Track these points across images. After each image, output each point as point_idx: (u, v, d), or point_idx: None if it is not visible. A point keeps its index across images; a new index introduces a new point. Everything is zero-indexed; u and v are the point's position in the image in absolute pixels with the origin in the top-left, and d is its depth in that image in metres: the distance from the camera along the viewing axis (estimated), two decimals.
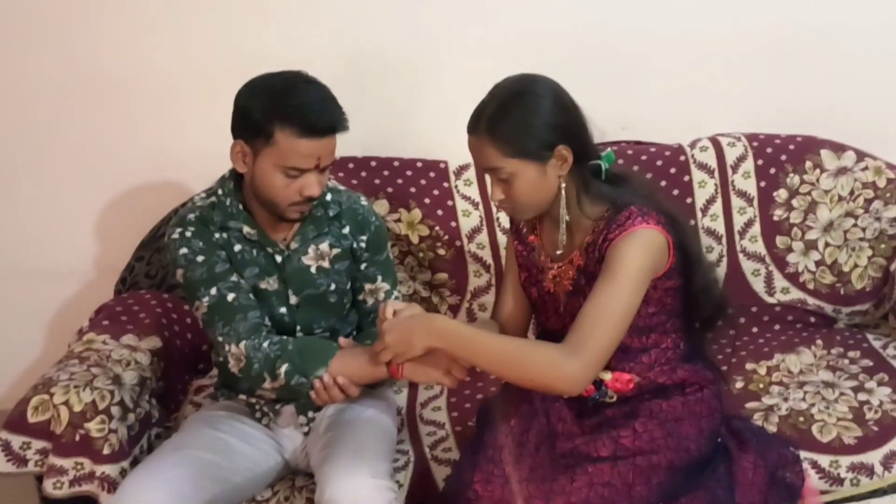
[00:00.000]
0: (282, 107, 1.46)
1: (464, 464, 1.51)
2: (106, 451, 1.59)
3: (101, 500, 1.58)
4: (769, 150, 2.15)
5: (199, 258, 1.57)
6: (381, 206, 2.11)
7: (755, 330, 2.11)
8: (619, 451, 1.44)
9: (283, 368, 1.51)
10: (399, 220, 2.12)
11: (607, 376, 1.50)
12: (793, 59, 2.23)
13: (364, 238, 1.69)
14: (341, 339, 1.58)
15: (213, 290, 1.56)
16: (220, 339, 1.55)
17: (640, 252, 1.39)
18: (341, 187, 1.73)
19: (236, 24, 2.19)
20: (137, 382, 1.75)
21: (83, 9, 2.16)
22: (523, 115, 1.41)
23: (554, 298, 1.56)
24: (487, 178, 1.49)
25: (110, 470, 1.59)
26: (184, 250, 1.57)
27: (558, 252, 1.52)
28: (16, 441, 1.60)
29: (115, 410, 1.64)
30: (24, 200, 2.31)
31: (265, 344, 1.53)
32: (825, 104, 2.24)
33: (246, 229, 1.60)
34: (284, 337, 1.56)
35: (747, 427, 1.64)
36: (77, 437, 1.58)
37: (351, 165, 2.16)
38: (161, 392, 1.87)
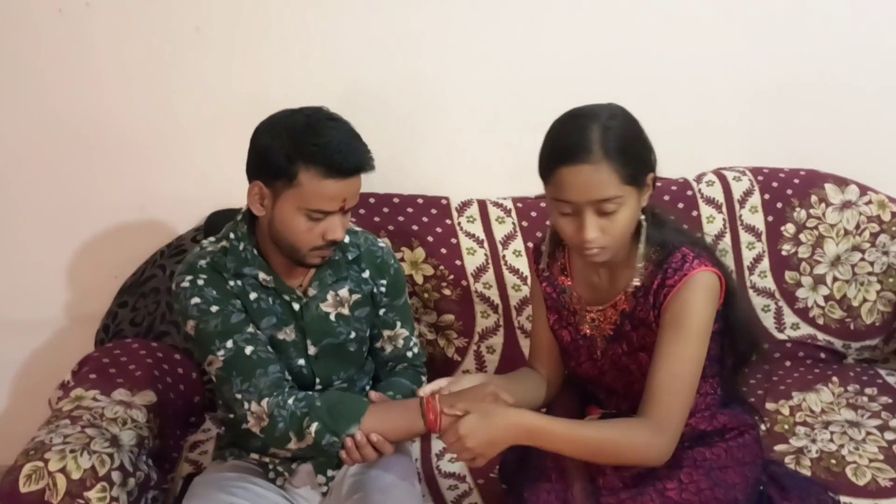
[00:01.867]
0: (306, 146, 1.37)
1: None
2: None
3: None
4: (774, 184, 2.14)
5: (214, 308, 1.44)
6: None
7: (766, 367, 2.07)
8: (666, 502, 1.37)
9: (314, 427, 1.39)
10: (402, 259, 2.03)
11: None
12: (792, 95, 2.23)
13: (384, 282, 1.60)
14: (371, 394, 1.47)
15: (230, 343, 1.43)
16: (239, 396, 1.42)
17: (704, 301, 1.34)
18: (357, 228, 1.64)
19: (221, 65, 2.07)
20: (136, 443, 1.62)
21: (64, 53, 2.02)
22: (629, 137, 1.33)
23: (590, 343, 1.49)
24: (563, 218, 1.35)
25: None
26: (196, 300, 1.44)
27: (590, 296, 1.46)
28: None
29: (115, 476, 1.49)
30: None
31: (290, 401, 1.41)
32: (825, 139, 2.24)
33: (262, 276, 1.49)
34: (310, 393, 1.45)
35: (785, 472, 1.60)
36: None
37: None
38: (157, 451, 1.72)
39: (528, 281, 2.06)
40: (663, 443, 1.31)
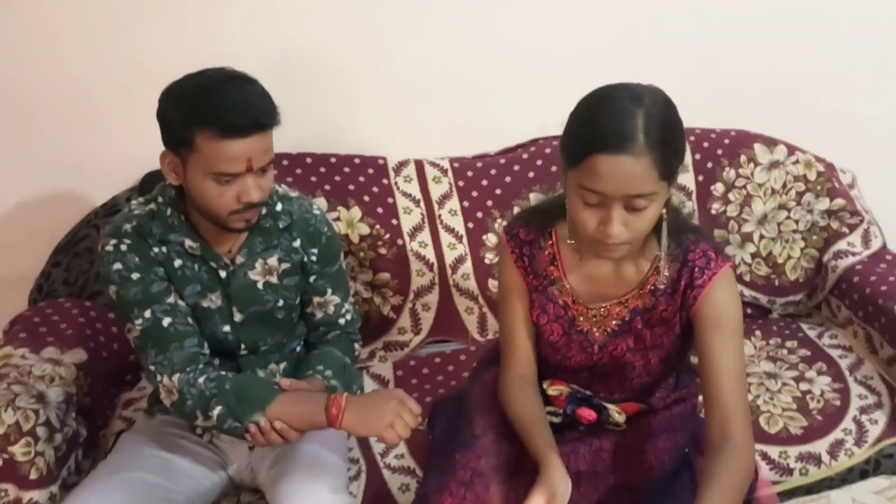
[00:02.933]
0: (199, 109, 1.33)
1: (430, 483, 1.40)
2: (33, 475, 1.46)
3: None
4: (705, 144, 2.18)
5: (134, 276, 1.43)
6: (319, 204, 2.01)
7: None
8: (598, 467, 1.41)
9: (217, 411, 1.39)
10: (338, 219, 2.04)
11: (621, 418, 1.46)
12: (723, 56, 2.25)
13: (315, 251, 1.57)
14: (283, 381, 1.46)
15: (148, 313, 1.43)
16: (153, 367, 1.43)
17: (736, 297, 1.33)
18: (293, 193, 1.60)
19: (156, 26, 2.03)
20: (63, 399, 1.62)
21: None
22: (675, 128, 1.21)
23: (585, 337, 1.43)
24: (588, 208, 1.23)
25: (38, 496, 1.47)
26: (118, 266, 1.43)
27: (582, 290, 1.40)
28: None
29: (40, 431, 1.51)
30: None
31: (201, 379, 1.41)
32: (754, 98, 2.28)
33: (188, 243, 1.47)
34: (223, 373, 1.44)
35: (698, 424, 1.63)
36: (0, 463, 1.45)
37: (285, 162, 2.07)
38: (88, 408, 1.74)
39: (464, 240, 2.09)
40: (753, 449, 1.30)
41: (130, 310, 1.43)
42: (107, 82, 2.07)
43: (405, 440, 1.43)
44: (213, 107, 1.32)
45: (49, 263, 2.02)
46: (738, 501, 1.23)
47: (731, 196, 2.16)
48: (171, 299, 1.45)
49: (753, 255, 2.17)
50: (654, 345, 1.40)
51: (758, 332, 2.07)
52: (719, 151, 2.17)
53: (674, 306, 1.36)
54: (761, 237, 2.16)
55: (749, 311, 2.18)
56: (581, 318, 1.43)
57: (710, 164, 2.16)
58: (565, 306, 1.43)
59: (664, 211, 1.28)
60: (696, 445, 1.53)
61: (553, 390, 1.49)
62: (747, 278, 2.17)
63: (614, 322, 1.41)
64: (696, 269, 1.32)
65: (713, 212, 2.16)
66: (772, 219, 2.16)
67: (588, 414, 1.46)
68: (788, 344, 2.02)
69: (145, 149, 2.03)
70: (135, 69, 2.05)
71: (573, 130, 1.24)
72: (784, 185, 2.16)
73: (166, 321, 1.43)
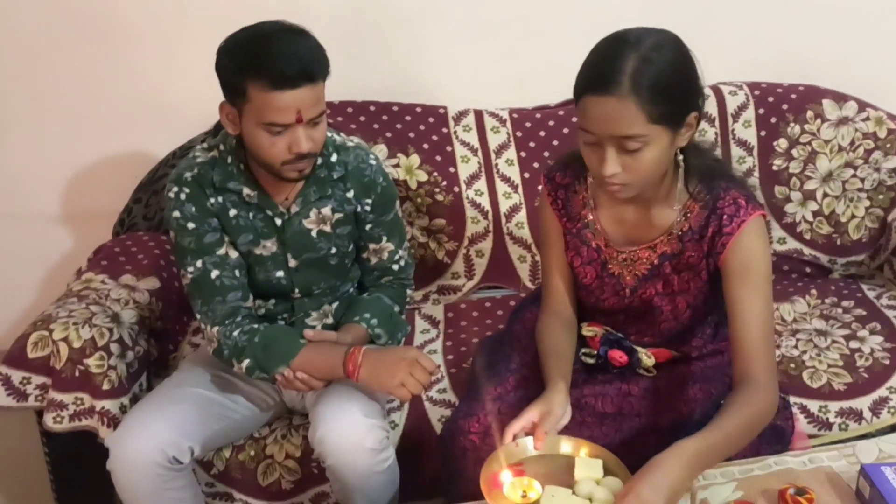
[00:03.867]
0: (249, 60, 1.38)
1: (461, 409, 1.49)
2: (105, 386, 1.61)
3: (100, 435, 1.60)
4: (771, 98, 2.14)
5: (190, 225, 1.53)
6: (380, 151, 2.10)
7: None
8: (625, 409, 1.44)
9: (245, 363, 1.52)
10: (397, 166, 2.11)
11: (650, 361, 1.48)
12: (794, 7, 2.19)
13: (369, 201, 1.62)
14: (307, 333, 1.56)
15: (199, 263, 1.53)
16: (199, 316, 1.56)
17: (765, 244, 1.33)
18: (350, 142, 1.63)
19: None
20: (136, 321, 1.77)
21: None
22: (670, 74, 1.21)
23: (617, 280, 1.46)
24: (587, 147, 1.27)
25: (110, 405, 1.61)
26: (176, 213, 1.53)
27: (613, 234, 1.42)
28: (16, 376, 1.62)
29: (114, 347, 1.65)
30: (18, 143, 2.28)
31: (236, 332, 1.53)
32: (827, 54, 2.22)
33: (246, 191, 1.54)
34: (256, 326, 1.55)
35: None
36: (76, 373, 1.60)
37: (349, 110, 2.15)
38: (160, 332, 1.88)
39: (519, 189, 2.13)
40: (775, 396, 1.29)
41: (184, 257, 1.54)
42: (185, 27, 2.19)
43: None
44: (262, 57, 1.38)
45: (131, 200, 2.18)
46: (746, 435, 1.25)
47: (794, 152, 2.12)
48: (221, 251, 1.55)
49: (815, 214, 2.12)
50: (682, 290, 1.41)
51: (814, 291, 2.04)
52: (785, 106, 2.12)
53: (700, 252, 1.36)
54: (825, 195, 2.11)
55: (809, 269, 2.14)
56: (612, 262, 1.45)
57: (773, 119, 2.12)
58: (598, 249, 1.46)
59: (680, 156, 1.30)
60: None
61: (588, 331, 1.53)
62: (808, 237, 2.13)
63: (644, 266, 1.43)
64: (725, 217, 1.33)
65: (774, 168, 2.12)
66: (837, 177, 2.11)
67: (619, 356, 1.49)
68: (845, 303, 1.99)
69: (217, 95, 2.16)
70: (210, 14, 2.16)
71: (578, 71, 1.27)
72: (852, 143, 2.10)
73: (214, 273, 1.54)
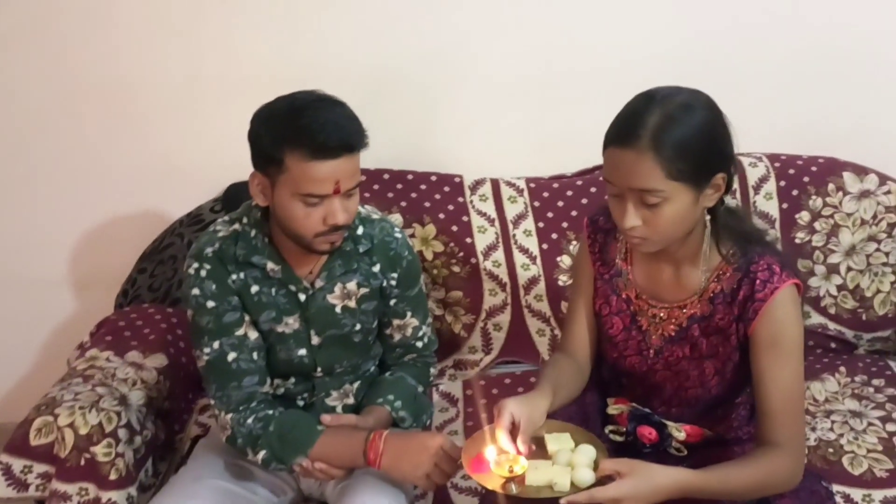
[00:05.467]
0: (289, 130, 1.35)
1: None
2: (113, 476, 1.52)
3: None
4: (791, 171, 2.11)
5: (210, 303, 1.47)
6: (395, 220, 2.05)
7: None
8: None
9: (261, 455, 1.45)
10: (413, 236, 2.06)
11: (681, 435, 1.44)
12: (813, 80, 2.19)
13: (395, 275, 1.57)
14: (324, 418, 1.50)
15: (216, 344, 1.47)
16: (213, 401, 1.50)
17: (797, 316, 1.31)
18: (375, 215, 1.60)
19: (250, 34, 2.10)
20: (144, 403, 1.69)
21: (88, 16, 2.07)
22: (692, 133, 1.23)
23: (643, 337, 1.43)
24: (612, 198, 1.29)
25: (117, 496, 1.52)
26: (196, 291, 1.47)
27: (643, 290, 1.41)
28: (17, 464, 1.53)
29: (122, 433, 1.57)
30: (22, 207, 2.21)
31: (250, 420, 1.47)
32: (846, 126, 2.21)
33: (270, 265, 1.49)
34: (271, 412, 1.48)
35: None
36: (82, 462, 1.51)
37: (363, 178, 2.09)
38: (166, 412, 1.79)
39: (537, 261, 2.08)
40: (799, 465, 1.30)
41: (201, 337, 1.48)
42: (195, 91, 2.15)
43: None
44: (303, 127, 1.34)
45: (135, 270, 2.11)
46: (752, 492, 1.27)
47: (816, 225, 2.09)
48: (240, 331, 1.49)
49: (840, 288, 2.08)
50: (710, 354, 1.38)
51: (842, 369, 1.99)
52: (806, 179, 2.10)
53: (730, 315, 1.34)
54: (849, 269, 2.08)
55: (834, 345, 2.09)
56: (641, 316, 1.43)
57: (795, 192, 2.09)
58: (628, 300, 1.44)
59: (707, 217, 1.31)
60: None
61: (614, 408, 1.51)
62: (832, 311, 2.09)
63: (672, 327, 1.40)
64: (759, 282, 1.30)
65: (797, 241, 2.09)
66: (860, 250, 2.07)
67: (649, 432, 1.45)
68: (875, 382, 1.94)
69: (230, 159, 2.10)
70: (220, 80, 2.12)
71: (610, 124, 1.30)
72: (874, 216, 2.07)
73: (231, 356, 1.47)
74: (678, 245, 1.34)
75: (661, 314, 1.41)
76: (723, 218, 1.34)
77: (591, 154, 2.18)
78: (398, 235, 1.60)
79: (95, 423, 1.53)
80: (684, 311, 1.39)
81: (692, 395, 1.42)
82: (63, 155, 2.17)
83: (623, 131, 1.24)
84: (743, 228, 1.36)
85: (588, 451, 1.29)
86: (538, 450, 1.32)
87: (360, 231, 1.54)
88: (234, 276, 1.48)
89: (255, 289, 1.50)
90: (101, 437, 1.53)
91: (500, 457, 1.27)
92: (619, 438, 1.49)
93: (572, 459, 1.28)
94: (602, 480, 1.24)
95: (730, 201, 1.37)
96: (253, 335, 1.50)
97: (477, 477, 1.28)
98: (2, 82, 2.11)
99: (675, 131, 1.22)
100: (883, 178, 2.10)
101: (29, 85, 2.11)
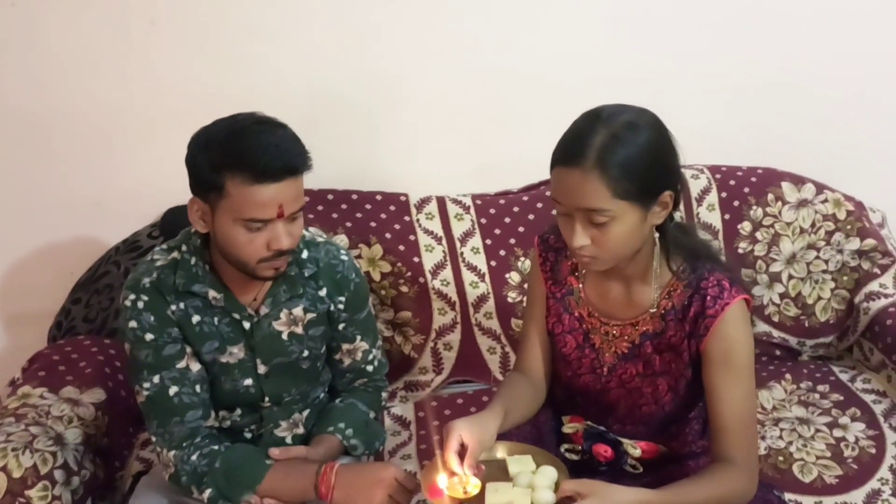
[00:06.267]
0: (229, 153, 1.30)
1: None
2: None
3: None
4: (732, 182, 2.15)
5: (148, 336, 1.41)
6: (340, 241, 2.01)
7: None
8: None
9: (208, 493, 1.39)
10: (360, 257, 2.02)
11: (636, 452, 1.44)
12: (751, 95, 2.24)
13: (342, 299, 1.53)
14: (272, 451, 1.45)
15: (156, 379, 1.41)
16: (154, 438, 1.44)
17: (747, 331, 1.31)
18: (319, 237, 1.56)
19: (180, 60, 2.04)
20: (81, 441, 1.61)
21: (17, 45, 1.98)
22: (638, 151, 1.22)
23: (598, 355, 1.43)
24: (560, 217, 1.30)
25: None
26: (133, 324, 1.41)
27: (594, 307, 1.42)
28: None
29: (58, 475, 1.49)
30: None
31: (194, 456, 1.41)
32: (783, 138, 2.26)
33: (212, 293, 1.44)
34: (216, 447, 1.43)
35: None
36: None
37: (306, 199, 2.04)
38: (105, 449, 1.71)
39: (486, 278, 2.06)
40: (753, 479, 1.30)
41: (140, 372, 1.42)
42: (127, 118, 2.08)
43: None
44: (243, 151, 1.30)
45: (69, 300, 2.02)
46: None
47: (758, 235, 2.12)
48: (182, 364, 1.43)
49: (782, 296, 2.12)
50: (663, 371, 1.38)
51: (788, 376, 2.02)
52: (746, 189, 2.14)
53: (682, 332, 1.34)
54: (790, 277, 2.12)
55: (778, 352, 2.13)
56: (594, 333, 1.42)
57: (736, 203, 2.13)
58: (580, 319, 1.44)
59: (656, 234, 1.32)
60: None
61: (570, 427, 1.51)
62: (776, 319, 2.12)
63: (624, 344, 1.40)
64: (709, 298, 1.30)
65: (740, 251, 2.12)
66: (801, 258, 2.12)
67: (604, 450, 1.45)
68: (820, 388, 1.98)
69: (165, 185, 2.05)
70: (155, 106, 2.06)
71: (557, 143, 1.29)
72: (813, 225, 2.12)
73: (172, 390, 1.42)
74: (627, 262, 1.34)
75: (614, 332, 1.41)
76: (672, 234, 1.34)
77: (535, 172, 2.20)
78: (344, 258, 1.56)
79: (30, 466, 1.45)
80: (636, 328, 1.39)
81: (646, 412, 1.42)
82: None
83: (569, 151, 1.24)
84: (691, 243, 1.36)
85: (549, 473, 1.28)
86: (500, 472, 1.31)
87: (304, 255, 1.50)
88: (173, 307, 1.42)
89: (196, 318, 1.44)
90: (35, 480, 1.44)
91: (451, 480, 1.27)
92: (574, 457, 1.49)
93: (533, 481, 1.26)
94: (563, 502, 1.23)
95: (676, 216, 1.37)
96: (195, 367, 1.45)
97: (435, 502, 1.26)
98: None
99: (620, 151, 1.21)
100: (820, 188, 2.15)
101: None
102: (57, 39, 2.00)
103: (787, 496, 1.61)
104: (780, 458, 1.72)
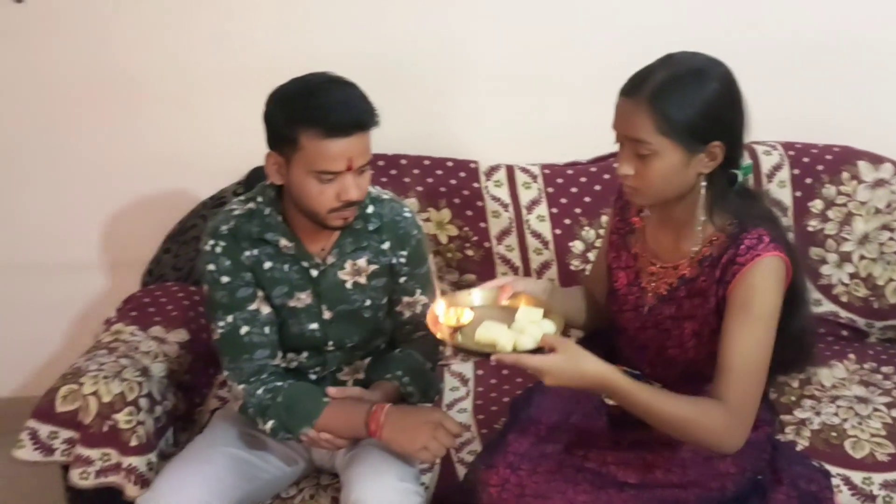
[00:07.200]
0: (303, 110, 1.41)
1: (483, 459, 1.48)
2: (133, 442, 1.59)
3: (126, 492, 1.57)
4: (806, 159, 2.12)
5: (224, 279, 1.53)
6: (411, 204, 2.09)
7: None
8: (648, 480, 1.41)
9: (270, 424, 1.51)
10: (428, 220, 2.11)
11: None
12: (828, 69, 2.19)
13: (404, 253, 1.62)
14: (330, 390, 1.55)
15: (230, 318, 1.53)
16: (227, 372, 1.56)
17: (774, 286, 1.32)
18: (385, 195, 1.65)
19: (259, 23, 2.17)
20: (165, 375, 1.75)
21: (102, 4, 2.15)
22: (693, 96, 1.28)
23: (640, 294, 1.48)
24: (618, 145, 1.36)
25: (137, 462, 1.59)
26: (211, 266, 1.53)
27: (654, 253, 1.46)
28: (43, 430, 1.60)
29: (143, 402, 1.63)
30: (47, 194, 2.29)
31: (260, 391, 1.52)
32: (861, 116, 2.21)
33: (283, 242, 1.55)
34: (279, 384, 1.54)
35: (778, 447, 1.58)
36: (105, 428, 1.58)
37: (381, 163, 2.15)
38: (187, 385, 1.86)
39: (550, 245, 2.12)
40: (738, 430, 1.30)
41: (216, 311, 1.54)
42: (216, 80, 2.22)
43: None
44: (316, 107, 1.40)
45: (160, 250, 2.18)
46: (676, 428, 1.29)
47: (830, 213, 2.09)
48: (253, 306, 1.54)
49: (852, 276, 2.09)
50: (690, 315, 1.41)
51: (852, 356, 2.00)
52: (820, 167, 2.11)
53: (712, 278, 1.36)
54: (861, 257, 2.09)
55: (845, 332, 2.10)
56: (644, 274, 1.47)
57: (809, 180, 2.10)
58: (635, 257, 1.49)
59: (702, 185, 1.34)
60: (774, 474, 1.51)
61: None
62: (844, 299, 2.09)
63: (664, 286, 1.44)
64: (743, 247, 1.32)
65: (810, 229, 2.10)
66: (873, 239, 2.08)
67: None
68: (884, 369, 1.95)
69: (251, 145, 2.16)
70: (239, 68, 2.19)
71: None
72: (888, 205, 2.08)
73: (244, 329, 1.53)
74: (674, 207, 1.38)
75: (659, 273, 1.45)
76: (720, 190, 1.35)
77: (604, 142, 2.22)
78: (407, 215, 1.64)
79: (118, 392, 1.60)
80: (676, 271, 1.42)
81: (671, 354, 1.45)
82: (91, 144, 2.25)
83: (631, 83, 1.31)
84: (758, 209, 1.38)
85: (546, 325, 1.34)
86: (509, 318, 1.37)
87: (370, 210, 1.59)
88: (247, 253, 1.54)
89: (268, 265, 1.55)
90: (122, 405, 1.60)
91: (448, 309, 1.38)
92: (613, 402, 1.50)
93: (525, 327, 1.33)
94: (539, 350, 1.28)
95: (741, 179, 1.37)
96: (265, 310, 1.56)
97: (433, 329, 1.37)
98: (30, 76, 2.20)
99: (675, 91, 1.27)
100: None
101: (48, 79, 2.19)
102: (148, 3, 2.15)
103: (836, 470, 1.62)
104: (833, 434, 1.72)
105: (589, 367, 1.27)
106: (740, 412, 1.30)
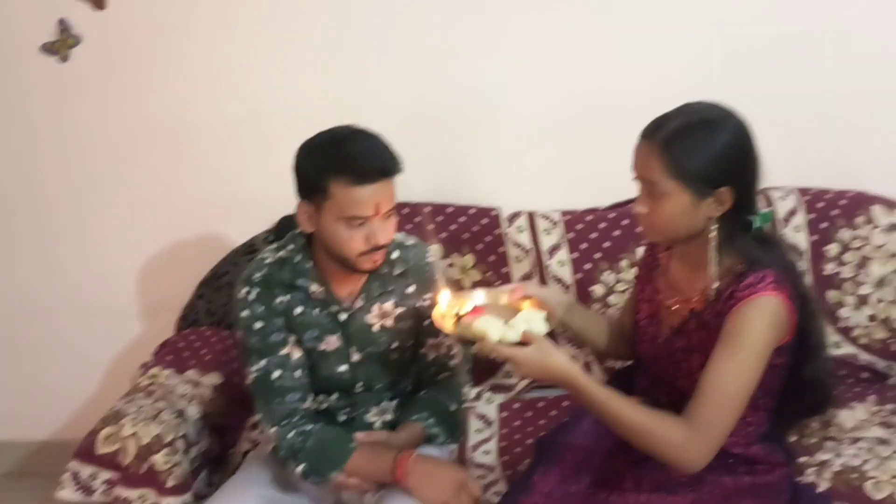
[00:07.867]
0: (332, 159, 1.50)
1: (508, 500, 1.52)
2: (170, 483, 1.65)
3: None
4: (820, 204, 2.17)
5: (257, 325, 1.60)
6: (434, 251, 2.15)
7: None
8: None
9: (301, 468, 1.57)
10: (452, 265, 2.17)
11: None
12: (840, 114, 2.24)
13: (429, 296, 1.67)
14: (357, 435, 1.61)
15: (263, 363, 1.60)
16: (259, 415, 1.62)
17: (767, 324, 1.35)
18: (410, 241, 1.73)
19: (302, 75, 2.28)
20: (200, 417, 1.82)
21: (156, 53, 2.27)
22: (701, 143, 1.36)
23: (657, 327, 1.54)
24: (637, 186, 1.45)
25: (173, 502, 1.65)
26: (245, 313, 1.61)
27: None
28: (84, 471, 1.67)
29: (179, 444, 1.70)
30: (90, 239, 2.41)
31: (291, 434, 1.58)
32: (874, 159, 2.25)
33: (313, 287, 1.62)
34: (309, 427, 1.60)
35: (798, 489, 1.59)
36: (143, 469, 1.65)
37: (406, 210, 2.22)
38: (220, 427, 1.92)
39: (571, 289, 2.17)
40: (696, 449, 1.33)
41: (250, 356, 1.61)
42: (249, 133, 2.32)
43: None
44: (344, 156, 1.50)
45: (195, 296, 2.26)
46: (632, 434, 1.35)
47: (846, 257, 2.13)
48: (285, 350, 1.62)
49: (871, 318, 2.12)
50: (698, 347, 1.44)
51: (872, 397, 2.01)
52: (835, 212, 2.15)
53: (715, 311, 1.41)
54: (879, 300, 2.12)
55: (865, 375, 2.12)
56: (662, 308, 1.53)
57: (824, 224, 2.15)
58: (658, 290, 1.56)
59: (712, 228, 1.39)
60: None
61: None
62: (864, 341, 2.12)
63: (677, 319, 1.50)
64: (744, 284, 1.37)
65: (826, 272, 2.13)
66: (889, 282, 2.11)
67: None
68: None
69: (280, 194, 2.26)
70: (273, 120, 2.29)
71: None
72: None
73: (276, 374, 1.60)
74: (688, 245, 1.45)
75: (674, 307, 1.51)
76: (729, 233, 1.40)
77: (623, 189, 2.28)
78: (431, 258, 1.72)
79: (156, 434, 1.67)
80: (688, 304, 1.48)
81: (681, 385, 1.47)
82: (131, 190, 2.37)
83: (649, 128, 1.40)
84: (773, 257, 1.42)
85: (536, 324, 1.41)
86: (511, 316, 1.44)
87: (395, 255, 1.67)
88: (280, 299, 1.61)
89: (299, 310, 1.63)
90: (160, 447, 1.66)
91: (452, 301, 1.47)
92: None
93: (515, 322, 1.39)
94: (521, 344, 1.37)
95: (758, 224, 1.43)
96: (296, 354, 1.63)
97: (435, 320, 1.45)
98: (80, 124, 2.32)
99: (686, 139, 1.35)
100: None
101: (105, 127, 2.31)
102: (195, 58, 2.27)
103: None
104: (854, 476, 1.73)
105: (554, 361, 1.36)
106: (702, 432, 1.33)
